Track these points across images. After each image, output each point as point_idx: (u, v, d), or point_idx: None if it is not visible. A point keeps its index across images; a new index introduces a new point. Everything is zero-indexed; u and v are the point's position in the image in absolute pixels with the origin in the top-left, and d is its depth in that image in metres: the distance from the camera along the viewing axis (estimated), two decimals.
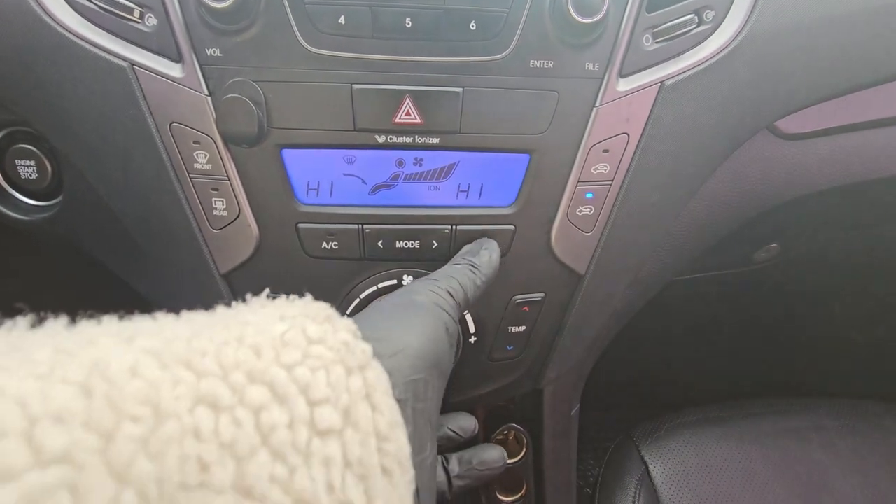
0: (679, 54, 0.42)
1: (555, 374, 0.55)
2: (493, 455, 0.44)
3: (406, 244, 0.44)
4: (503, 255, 0.45)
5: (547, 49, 0.40)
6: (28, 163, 0.45)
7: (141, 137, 0.39)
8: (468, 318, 0.47)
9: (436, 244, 0.44)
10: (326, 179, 0.42)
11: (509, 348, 0.50)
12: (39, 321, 0.21)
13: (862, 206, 0.69)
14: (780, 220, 0.62)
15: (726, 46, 0.42)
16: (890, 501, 0.63)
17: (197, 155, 0.40)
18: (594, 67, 0.41)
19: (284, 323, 0.25)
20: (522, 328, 0.49)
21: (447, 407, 0.46)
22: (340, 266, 0.45)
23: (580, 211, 0.45)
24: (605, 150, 0.43)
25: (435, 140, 0.41)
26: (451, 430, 0.44)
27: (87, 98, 0.39)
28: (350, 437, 0.23)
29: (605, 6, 0.37)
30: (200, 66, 0.38)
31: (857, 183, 0.55)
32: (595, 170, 0.43)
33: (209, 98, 0.38)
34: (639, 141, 0.43)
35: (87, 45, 0.37)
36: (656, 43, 0.41)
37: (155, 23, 0.37)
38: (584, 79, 0.41)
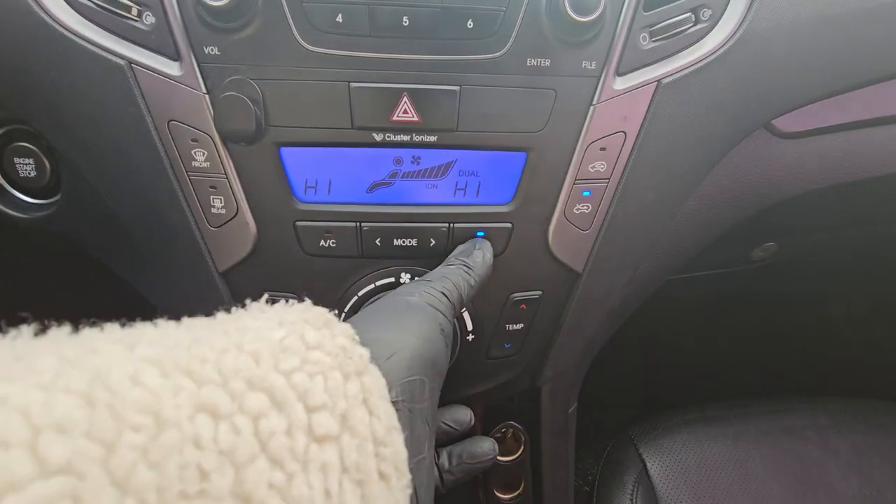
0: (676, 53, 0.42)
1: (552, 372, 0.55)
2: (483, 448, 0.44)
3: (404, 242, 0.44)
4: (500, 253, 0.45)
5: (544, 47, 0.40)
6: (26, 161, 0.45)
7: (139, 135, 0.39)
8: (466, 316, 0.47)
9: (433, 242, 0.44)
10: (324, 177, 0.42)
11: (507, 346, 0.50)
12: (43, 329, 0.21)
13: (859, 204, 0.69)
14: (777, 219, 0.62)
15: (723, 45, 0.42)
16: (888, 500, 0.63)
17: (195, 153, 0.40)
18: (591, 66, 0.41)
19: (283, 328, 0.25)
20: (520, 326, 0.49)
21: (443, 405, 0.46)
22: (338, 264, 0.45)
23: (577, 209, 0.45)
24: (603, 149, 0.43)
25: (432, 138, 0.41)
26: (445, 423, 0.44)
27: (84, 96, 0.39)
28: (347, 442, 0.23)
29: (602, 4, 0.37)
30: (198, 64, 0.38)
31: (854, 182, 0.55)
32: (592, 168, 0.43)
33: (207, 96, 0.38)
34: (636, 139, 0.43)
35: (85, 43, 0.37)
36: (653, 41, 0.42)
37: (153, 21, 0.37)
38: (581, 77, 0.41)
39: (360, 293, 0.45)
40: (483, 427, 0.62)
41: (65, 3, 0.37)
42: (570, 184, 0.44)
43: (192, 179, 0.41)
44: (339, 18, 0.37)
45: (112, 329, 0.22)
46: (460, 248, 0.44)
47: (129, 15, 0.37)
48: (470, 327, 0.48)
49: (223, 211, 0.42)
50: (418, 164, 0.42)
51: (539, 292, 0.48)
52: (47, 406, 0.17)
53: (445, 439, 0.45)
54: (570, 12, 0.37)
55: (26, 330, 0.20)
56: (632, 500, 0.62)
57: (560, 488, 0.64)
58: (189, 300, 0.48)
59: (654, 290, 0.59)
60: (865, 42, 0.46)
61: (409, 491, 0.26)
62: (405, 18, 0.38)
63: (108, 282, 0.54)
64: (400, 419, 0.27)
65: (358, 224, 0.43)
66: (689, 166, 0.47)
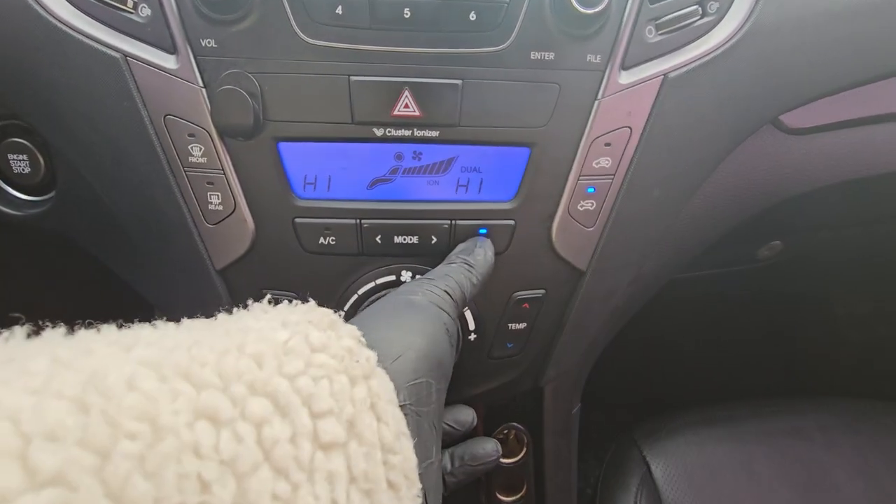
0: (682, 46, 0.41)
1: (555, 372, 0.54)
2: (486, 449, 0.43)
3: (404, 239, 0.43)
4: (503, 250, 0.44)
5: (548, 40, 0.39)
6: (20, 157, 0.44)
7: (134, 130, 0.39)
8: (468, 315, 0.47)
9: (435, 239, 0.44)
10: (324, 173, 0.41)
11: (509, 346, 0.49)
12: (37, 331, 0.20)
13: (865, 202, 0.68)
14: (782, 216, 0.61)
15: (730, 39, 0.41)
16: (894, 502, 0.62)
17: (192, 148, 0.39)
18: (596, 59, 0.40)
19: (287, 330, 0.24)
20: (523, 325, 0.48)
21: (446, 405, 0.45)
22: (338, 262, 0.44)
23: (581, 206, 0.44)
24: (607, 144, 0.42)
25: (434, 133, 0.41)
26: (447, 424, 0.43)
27: (79, 90, 0.38)
28: (354, 450, 0.22)
29: None
30: (195, 57, 0.37)
31: (861, 179, 0.54)
32: (597, 164, 0.43)
33: (204, 90, 0.38)
34: (641, 134, 0.42)
35: (80, 36, 0.36)
36: (659, 35, 0.41)
37: (149, 13, 0.37)
38: (586, 71, 0.40)
39: (360, 291, 0.45)
40: (485, 428, 0.61)
41: None
42: (575, 180, 0.43)
43: (188, 175, 0.40)
44: (339, 10, 0.37)
45: (108, 330, 0.22)
46: (461, 246, 0.43)
47: (124, 7, 0.36)
48: (472, 327, 0.47)
49: (220, 207, 0.41)
50: (419, 159, 0.42)
51: (542, 291, 0.47)
52: (38, 412, 0.16)
53: (447, 440, 0.44)
54: (574, 4, 0.37)
55: (19, 331, 0.20)
56: (636, 502, 0.62)
57: (563, 490, 0.63)
58: (186, 298, 0.47)
59: (658, 288, 0.58)
60: (873, 37, 0.46)
61: (420, 500, 0.25)
62: (406, 10, 0.37)
63: (104, 281, 0.54)
64: (408, 424, 0.26)
65: (358, 221, 0.43)
66: (695, 162, 0.46)
